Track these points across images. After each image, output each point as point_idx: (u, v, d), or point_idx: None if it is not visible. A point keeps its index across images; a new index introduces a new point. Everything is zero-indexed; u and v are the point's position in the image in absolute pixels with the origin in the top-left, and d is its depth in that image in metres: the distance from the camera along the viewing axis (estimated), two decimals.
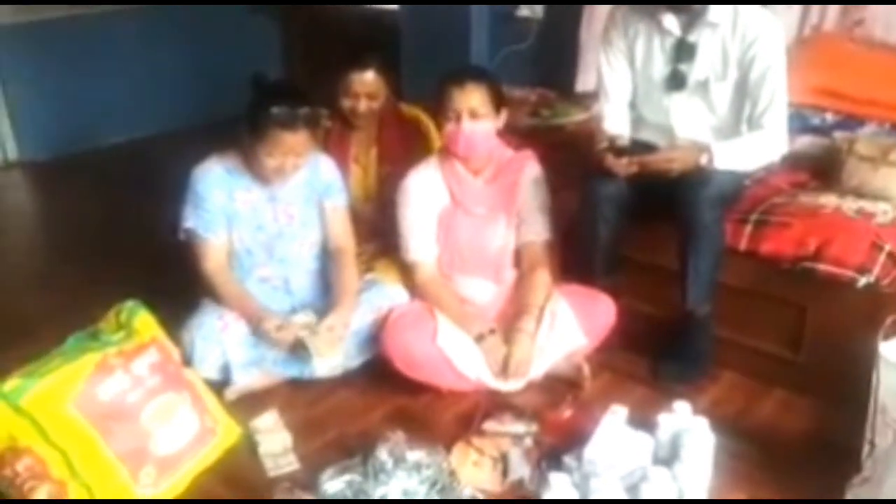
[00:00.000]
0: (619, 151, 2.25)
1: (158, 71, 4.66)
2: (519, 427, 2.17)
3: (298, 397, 2.37)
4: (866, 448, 1.93)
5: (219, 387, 2.27)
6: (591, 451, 1.90)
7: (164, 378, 1.97)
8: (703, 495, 1.94)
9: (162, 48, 4.66)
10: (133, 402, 1.88)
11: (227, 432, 2.10)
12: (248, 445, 2.14)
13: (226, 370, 2.31)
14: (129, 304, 2.07)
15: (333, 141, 2.72)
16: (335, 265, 2.50)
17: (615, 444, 1.94)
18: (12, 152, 4.38)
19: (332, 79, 2.68)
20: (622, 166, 2.25)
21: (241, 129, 2.34)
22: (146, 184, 3.89)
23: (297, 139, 2.28)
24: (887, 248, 2.22)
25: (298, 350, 2.29)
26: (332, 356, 2.30)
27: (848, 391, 2.00)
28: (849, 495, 1.86)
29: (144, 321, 2.04)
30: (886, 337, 1.91)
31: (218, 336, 2.29)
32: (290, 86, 2.63)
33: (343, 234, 2.54)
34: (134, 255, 3.17)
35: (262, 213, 2.44)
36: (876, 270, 2.19)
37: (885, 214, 2.36)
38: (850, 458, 1.93)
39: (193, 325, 2.29)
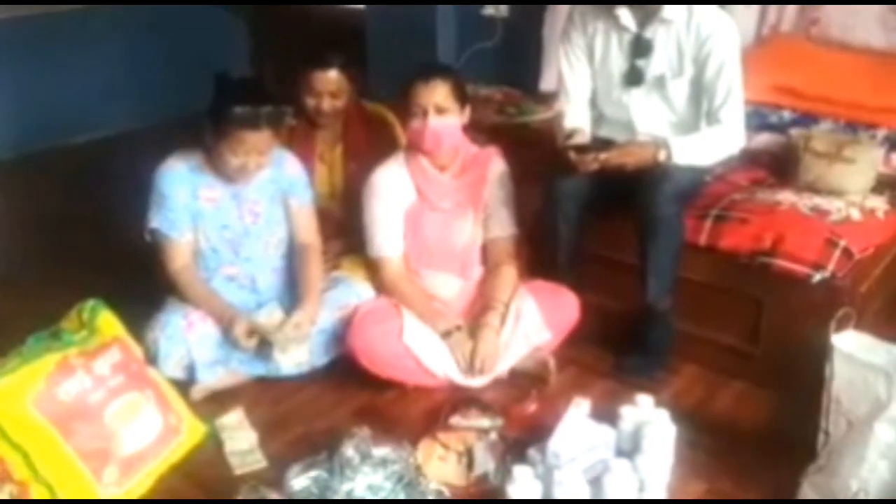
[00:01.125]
0: (582, 148, 2.28)
1: (125, 68, 4.60)
2: (484, 421, 2.19)
3: (264, 395, 2.37)
4: (821, 438, 1.99)
5: (184, 386, 2.26)
6: (554, 443, 1.92)
7: (127, 377, 1.96)
8: (664, 486, 1.97)
9: (128, 46, 4.60)
10: (95, 402, 1.87)
11: (191, 431, 2.10)
12: (214, 444, 2.14)
13: (191, 369, 2.30)
14: (91, 303, 2.06)
15: (298, 139, 2.71)
16: (301, 262, 2.50)
17: (578, 437, 1.96)
18: None
19: (296, 77, 2.68)
20: (585, 163, 2.27)
21: (203, 128, 2.34)
22: (112, 182, 3.84)
23: (259, 138, 2.27)
24: (842, 244, 2.28)
25: (264, 347, 2.29)
26: (298, 353, 2.31)
27: (803, 383, 2.06)
28: (805, 484, 1.90)
29: (107, 320, 2.03)
30: (838, 329, 1.96)
31: (182, 335, 2.28)
32: (253, 84, 2.63)
33: (309, 231, 2.55)
34: (97, 255, 3.12)
35: (227, 212, 2.43)
36: (831, 266, 2.25)
37: (840, 212, 2.42)
38: (806, 447, 1.98)
39: (158, 324, 2.28)
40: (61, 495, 1.79)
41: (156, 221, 2.37)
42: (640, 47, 2.43)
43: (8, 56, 4.21)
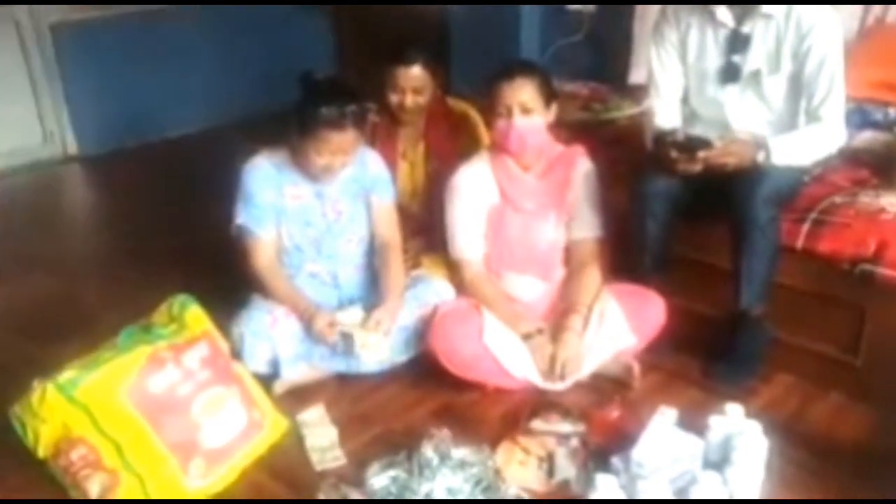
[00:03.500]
0: (685, 147, 2.20)
1: (213, 66, 4.74)
2: (566, 426, 2.14)
3: (345, 392, 2.39)
4: None
5: (267, 380, 2.29)
6: (638, 452, 1.87)
7: (214, 372, 2.00)
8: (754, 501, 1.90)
9: (217, 44, 4.74)
10: (183, 395, 1.91)
11: (274, 426, 2.12)
12: (295, 439, 2.16)
13: (274, 364, 2.33)
14: (181, 297, 2.11)
15: (381, 136, 2.72)
16: (383, 260, 2.51)
17: (664, 446, 1.90)
18: (71, 146, 4.48)
19: (380, 74, 2.68)
20: (688, 162, 2.20)
21: (289, 127, 2.36)
22: (201, 179, 3.95)
23: (345, 138, 2.28)
24: None
25: (346, 342, 2.30)
26: (379, 349, 2.31)
27: None
28: None
29: (195, 315, 2.07)
30: None
31: (267, 331, 2.30)
32: (339, 84, 2.64)
33: (390, 229, 2.55)
34: (184, 252, 3.20)
35: (311, 210, 2.45)
36: None
37: None
38: None
39: (243, 319, 2.31)
40: (150, 485, 1.84)
41: (242, 217, 2.41)
42: (738, 43, 2.34)
43: (99, 54, 4.39)
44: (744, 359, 2.36)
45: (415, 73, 2.63)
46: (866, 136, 2.65)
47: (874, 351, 2.25)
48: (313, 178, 2.41)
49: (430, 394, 2.36)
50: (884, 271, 2.17)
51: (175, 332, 2.02)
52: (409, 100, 2.65)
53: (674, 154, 2.21)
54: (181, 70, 4.63)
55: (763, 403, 2.26)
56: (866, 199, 2.39)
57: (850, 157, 2.55)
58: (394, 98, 2.66)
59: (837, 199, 2.38)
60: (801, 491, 1.95)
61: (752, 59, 2.35)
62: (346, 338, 2.29)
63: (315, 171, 2.36)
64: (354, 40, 4.88)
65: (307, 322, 2.32)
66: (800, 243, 2.30)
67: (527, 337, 2.32)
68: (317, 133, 2.26)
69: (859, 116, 2.63)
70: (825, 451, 2.08)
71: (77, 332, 2.42)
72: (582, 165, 2.47)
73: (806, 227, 2.31)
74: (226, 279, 2.48)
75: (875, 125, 2.68)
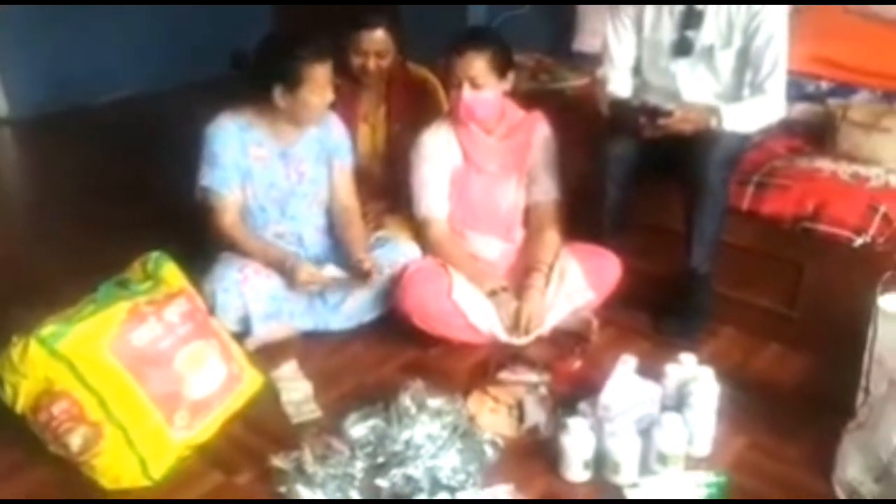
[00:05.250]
0: (653, 113, 2.32)
1: (149, 29, 4.61)
2: (532, 377, 2.26)
3: (315, 349, 2.44)
4: (861, 396, 2.05)
5: (238, 339, 2.31)
6: (605, 396, 1.99)
7: (195, 326, 2.02)
8: (709, 440, 2.05)
9: (154, 6, 4.61)
10: (166, 349, 1.93)
11: (251, 380, 2.16)
12: (270, 394, 2.20)
13: (245, 322, 2.36)
14: (155, 255, 2.11)
15: (342, 99, 2.73)
16: (344, 223, 2.56)
17: (628, 391, 2.03)
18: (2, 109, 4.33)
19: (340, 37, 2.71)
20: (653, 128, 2.32)
21: (256, 86, 2.37)
22: (142, 141, 3.89)
23: (328, 70, 2.35)
24: (882, 209, 2.33)
25: (339, 285, 2.39)
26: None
27: (841, 345, 2.12)
28: (845, 440, 1.97)
29: (171, 271, 2.09)
30: (884, 291, 2.03)
31: (238, 288, 2.33)
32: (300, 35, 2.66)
33: (349, 193, 2.61)
34: (141, 214, 3.14)
35: (275, 171, 2.48)
36: (871, 231, 2.31)
37: (878, 178, 2.47)
38: (844, 406, 2.05)
39: (214, 276, 2.33)
40: (134, 436, 1.86)
41: (207, 179, 2.42)
42: (692, 18, 2.47)
43: (30, 12, 4.22)
44: (692, 313, 2.51)
45: (378, 37, 2.67)
46: (801, 108, 2.82)
47: (811, 303, 2.43)
48: (303, 123, 2.44)
49: (399, 350, 2.43)
50: (821, 228, 2.35)
51: (152, 288, 2.03)
52: (372, 63, 2.69)
53: (642, 120, 2.33)
54: (117, 31, 4.50)
55: (710, 354, 2.40)
56: (802, 163, 2.57)
57: (787, 127, 2.72)
58: (357, 61, 2.70)
59: (777, 164, 2.55)
60: (750, 430, 2.11)
61: (705, 35, 2.48)
62: (340, 281, 2.37)
63: (314, 114, 2.41)
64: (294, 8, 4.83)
65: (288, 273, 2.36)
66: (745, 205, 2.46)
67: (492, 294, 2.42)
68: (305, 73, 2.31)
69: (794, 89, 2.79)
70: (769, 394, 2.25)
71: (39, 298, 2.36)
72: (541, 130, 2.57)
73: (750, 189, 2.47)
74: (186, 241, 2.46)
75: (809, 97, 2.86)
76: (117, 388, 1.85)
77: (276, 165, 2.48)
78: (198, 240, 2.47)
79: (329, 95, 2.39)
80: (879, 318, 1.98)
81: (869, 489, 1.87)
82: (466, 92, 2.39)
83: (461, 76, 2.39)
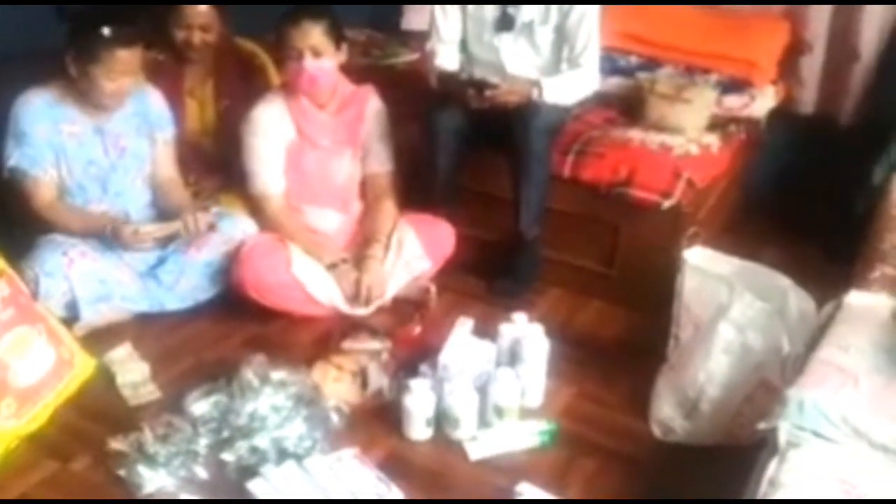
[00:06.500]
0: (479, 86, 2.42)
1: None
2: (374, 344, 2.32)
3: (149, 330, 2.38)
4: (672, 342, 2.27)
5: (66, 324, 2.21)
6: (444, 357, 2.09)
7: (17, 311, 1.92)
8: (541, 391, 2.19)
9: None
10: None
11: (82, 365, 2.08)
12: (104, 379, 2.14)
13: (72, 307, 2.27)
14: None
15: (166, 74, 2.67)
16: (169, 192, 2.51)
17: (465, 351, 2.14)
18: None
19: (165, 9, 2.63)
20: (480, 99, 2.42)
21: (66, 58, 2.26)
22: None
23: (133, 56, 2.26)
24: (685, 175, 2.57)
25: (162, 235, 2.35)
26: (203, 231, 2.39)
27: (655, 297, 2.34)
28: (659, 382, 2.17)
29: None
30: (688, 246, 2.24)
31: (63, 272, 2.23)
32: (116, 7, 2.55)
33: (172, 166, 2.57)
34: None
35: (92, 148, 2.39)
36: (677, 194, 2.53)
37: (681, 147, 2.71)
38: (659, 353, 2.26)
39: (36, 260, 2.22)
40: None
41: (15, 158, 2.30)
42: None
43: None
44: (521, 276, 2.67)
45: (202, 11, 2.62)
46: (613, 82, 3.03)
47: (626, 262, 2.65)
48: (102, 108, 2.34)
49: (239, 326, 2.42)
50: (633, 193, 2.55)
51: None
52: (197, 37, 2.63)
53: (470, 92, 2.42)
54: None
55: (539, 313, 2.55)
56: (616, 133, 2.77)
57: (601, 100, 2.92)
58: (180, 35, 2.63)
59: (594, 134, 2.73)
60: (577, 379, 2.28)
61: (526, 12, 2.61)
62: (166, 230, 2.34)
63: (104, 99, 2.31)
64: None
65: (111, 237, 2.29)
66: (566, 172, 2.63)
67: (332, 266, 2.46)
68: (104, 54, 2.21)
69: (607, 63, 2.99)
70: (592, 348, 2.44)
71: None
72: (373, 103, 2.61)
73: (570, 158, 2.64)
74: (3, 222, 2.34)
75: (621, 72, 3.07)
76: None
77: (92, 142, 2.38)
78: (10, 222, 2.34)
79: (128, 84, 2.29)
80: (686, 269, 2.18)
81: (680, 424, 2.08)
82: (309, 61, 2.39)
83: (301, 46, 2.38)
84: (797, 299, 2.05)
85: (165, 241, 2.40)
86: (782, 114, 3.15)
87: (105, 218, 2.35)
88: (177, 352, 2.30)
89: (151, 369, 2.18)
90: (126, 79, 2.27)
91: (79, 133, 2.35)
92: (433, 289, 2.56)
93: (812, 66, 3.16)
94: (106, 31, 2.19)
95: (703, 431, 2.05)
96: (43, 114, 2.30)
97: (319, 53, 2.41)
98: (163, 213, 2.50)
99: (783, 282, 2.08)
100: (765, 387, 1.96)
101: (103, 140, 2.39)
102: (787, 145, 3.24)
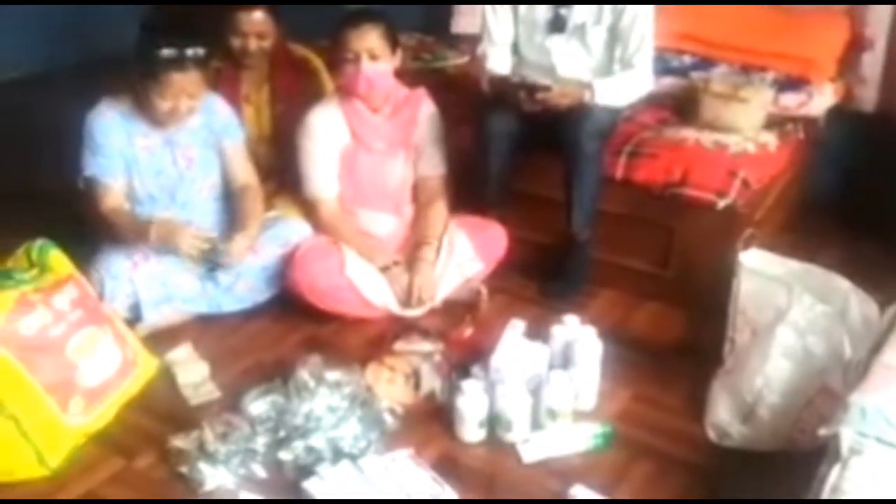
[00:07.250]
0: (532, 89, 2.42)
1: (29, 7, 4.33)
2: (426, 346, 2.33)
3: (209, 331, 2.44)
4: (727, 345, 2.24)
5: (129, 324, 2.28)
6: (496, 359, 2.10)
7: (86, 312, 1.99)
8: (594, 394, 2.18)
9: None
10: (57, 336, 1.90)
11: (146, 365, 2.14)
12: (166, 379, 2.20)
13: (136, 309, 2.33)
14: (39, 242, 2.06)
15: (224, 81, 2.73)
16: (241, 199, 2.54)
17: (517, 353, 2.14)
18: None
19: (221, 18, 2.69)
20: (532, 102, 2.42)
21: (131, 72, 2.33)
22: (15, 127, 3.69)
23: (188, 79, 2.29)
24: (741, 174, 2.53)
25: (209, 255, 2.37)
26: (241, 260, 2.41)
27: (710, 299, 2.30)
28: (715, 386, 2.15)
29: (57, 258, 2.04)
30: (744, 248, 2.21)
31: (127, 275, 2.30)
32: (179, 25, 2.62)
33: (246, 171, 2.59)
34: (25, 199, 2.97)
35: (161, 158, 2.44)
36: (732, 194, 2.50)
37: (737, 145, 2.67)
38: (715, 356, 2.23)
39: (102, 264, 2.29)
40: (27, 425, 1.82)
41: (91, 168, 2.37)
42: None
43: None
44: (574, 278, 2.66)
45: (258, 18, 2.67)
46: (666, 82, 2.99)
47: (681, 263, 2.62)
48: (160, 124, 2.39)
49: (294, 327, 2.46)
50: (688, 193, 2.53)
51: (38, 276, 1.98)
52: (253, 44, 2.68)
53: (521, 95, 2.43)
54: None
55: (592, 315, 2.52)
56: (669, 133, 2.74)
57: (654, 100, 2.89)
58: (237, 42, 2.68)
59: (646, 135, 2.71)
60: (632, 383, 2.26)
61: (578, 13, 2.60)
62: (211, 252, 2.36)
63: (160, 117, 2.35)
64: None
65: (169, 239, 2.32)
66: (619, 174, 2.61)
67: (384, 269, 2.48)
68: (159, 76, 2.25)
69: (660, 64, 2.97)
70: (646, 350, 2.41)
71: None
72: (426, 107, 2.63)
73: (623, 159, 2.62)
74: (71, 228, 2.39)
75: (673, 72, 3.04)
76: (7, 378, 1.80)
77: (162, 153, 2.44)
78: (83, 228, 2.42)
79: (185, 105, 2.32)
80: (741, 272, 2.15)
81: (737, 429, 2.05)
82: (366, 64, 2.42)
83: (358, 49, 2.41)
84: (858, 302, 2.00)
85: (209, 254, 2.39)
86: (843, 112, 3.07)
87: (166, 222, 2.37)
88: (235, 351, 2.36)
89: (210, 369, 2.24)
90: (181, 100, 2.30)
91: (151, 146, 2.42)
92: (485, 291, 2.56)
93: (873, 63, 3.09)
94: (165, 52, 2.23)
95: (761, 437, 2.02)
96: (117, 126, 2.37)
97: (376, 57, 2.43)
98: (234, 223, 2.53)
99: (843, 284, 2.04)
100: (825, 392, 1.92)
101: (172, 151, 2.45)
102: (849, 144, 3.16)
